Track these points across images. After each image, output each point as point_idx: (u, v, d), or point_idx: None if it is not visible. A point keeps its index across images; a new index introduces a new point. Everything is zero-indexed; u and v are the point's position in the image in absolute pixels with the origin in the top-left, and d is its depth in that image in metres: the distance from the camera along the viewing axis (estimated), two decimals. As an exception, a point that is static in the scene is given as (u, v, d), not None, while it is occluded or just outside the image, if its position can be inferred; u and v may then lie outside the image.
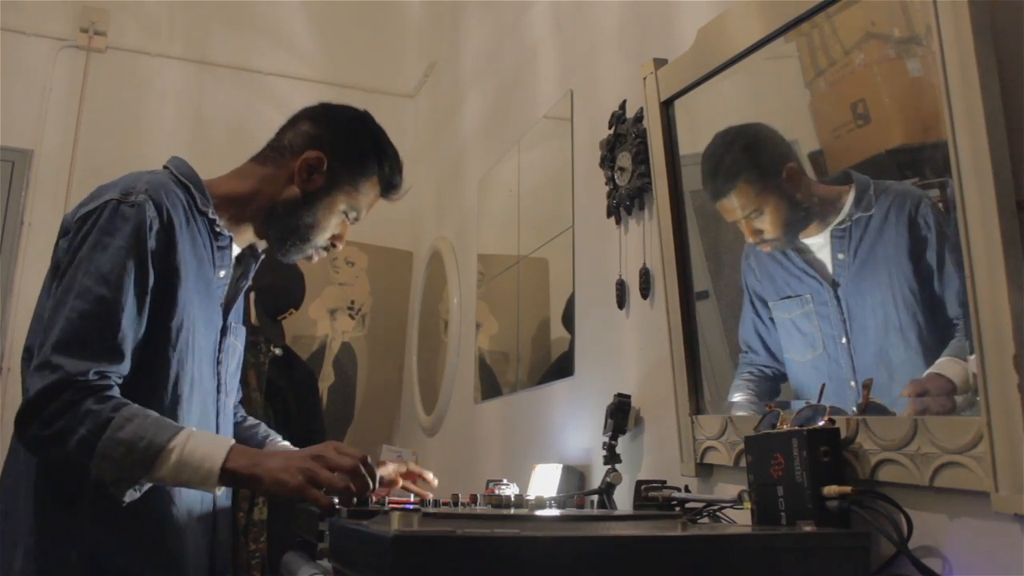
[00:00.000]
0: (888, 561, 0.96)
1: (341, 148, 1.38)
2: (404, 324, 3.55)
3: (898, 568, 0.95)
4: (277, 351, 2.84)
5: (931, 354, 0.99)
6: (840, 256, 1.12)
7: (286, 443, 1.50)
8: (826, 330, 1.14)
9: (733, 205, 1.32)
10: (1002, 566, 0.87)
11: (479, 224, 2.81)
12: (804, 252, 1.19)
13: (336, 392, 3.40)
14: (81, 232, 1.17)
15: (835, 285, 1.13)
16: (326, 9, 3.78)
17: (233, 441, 1.15)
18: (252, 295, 2.83)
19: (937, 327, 0.98)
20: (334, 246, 1.42)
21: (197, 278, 1.25)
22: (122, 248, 1.15)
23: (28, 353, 1.19)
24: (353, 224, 1.43)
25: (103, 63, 3.38)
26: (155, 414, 1.12)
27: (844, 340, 1.11)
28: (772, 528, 1.01)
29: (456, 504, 1.32)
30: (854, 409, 1.08)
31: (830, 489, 0.96)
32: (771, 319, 1.25)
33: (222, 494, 1.28)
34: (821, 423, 1.01)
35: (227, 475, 1.10)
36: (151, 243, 1.17)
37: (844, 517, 0.97)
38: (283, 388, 2.85)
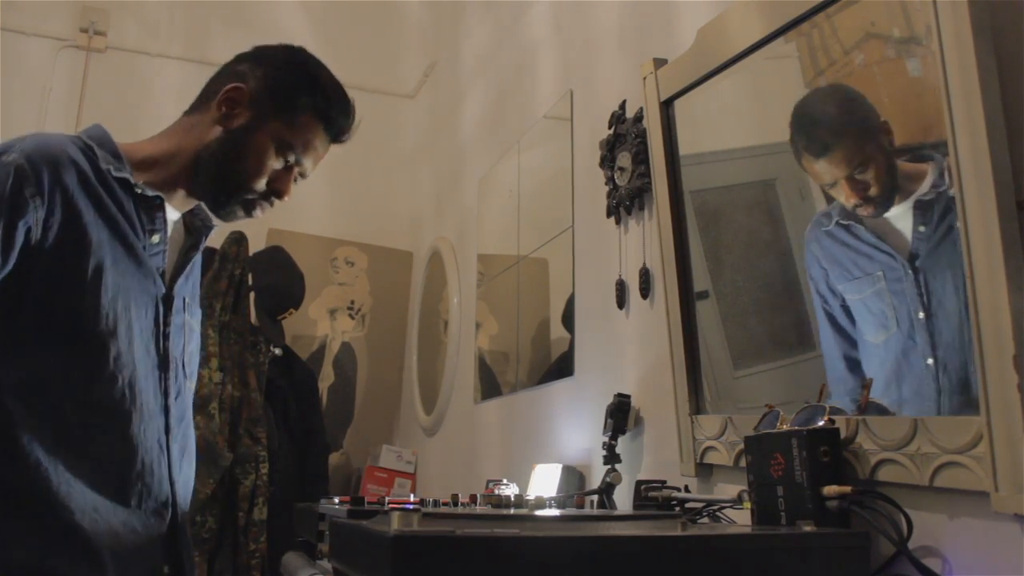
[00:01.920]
0: (888, 561, 0.96)
1: (267, 77, 1.23)
2: (404, 324, 3.55)
3: (898, 568, 0.95)
4: (277, 351, 2.84)
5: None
6: (921, 228, 1.06)
7: None
8: (900, 308, 1.07)
9: (838, 160, 1.22)
10: (1002, 566, 0.87)
11: (479, 224, 2.81)
12: (877, 226, 1.13)
13: (336, 392, 3.40)
14: None
15: (913, 258, 1.06)
16: (326, 9, 3.78)
17: None
18: (252, 295, 2.84)
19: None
20: (277, 196, 1.24)
21: (112, 244, 1.11)
22: None
23: None
24: (301, 176, 1.26)
25: (103, 63, 3.38)
26: None
27: (921, 315, 1.04)
28: (772, 528, 1.01)
29: (456, 504, 1.33)
30: (935, 392, 1.05)
31: (830, 489, 0.96)
32: (843, 306, 1.18)
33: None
34: (821, 423, 1.01)
35: None
36: (21, 211, 1.03)
37: (844, 517, 0.97)
38: (283, 388, 2.85)
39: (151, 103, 3.41)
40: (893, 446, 0.98)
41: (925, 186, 1.05)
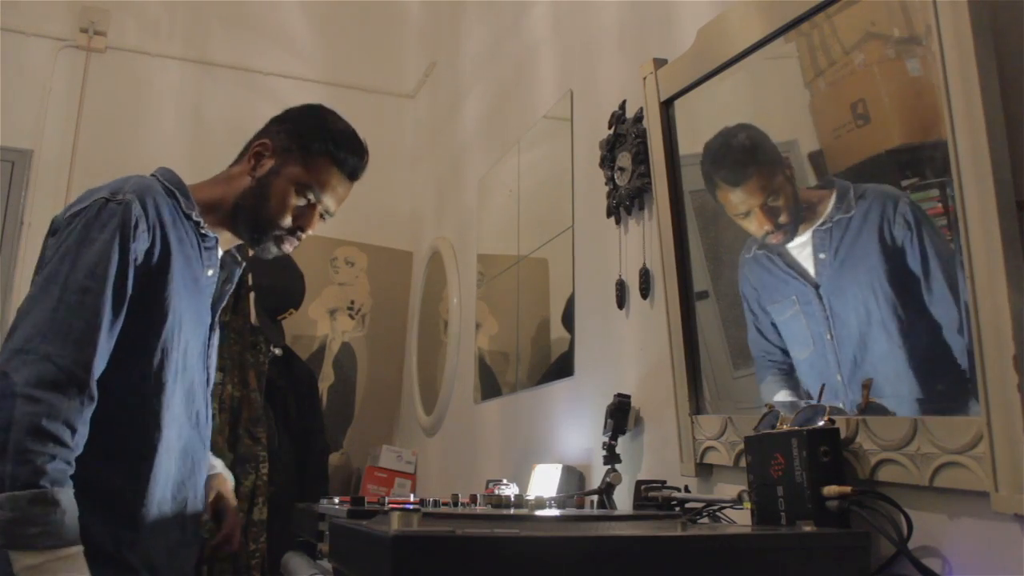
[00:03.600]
0: (888, 561, 0.96)
1: (286, 131, 1.42)
2: (404, 324, 3.55)
3: (898, 568, 0.95)
4: (277, 351, 2.84)
5: (913, 346, 1.01)
6: (821, 256, 1.15)
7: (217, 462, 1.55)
8: (814, 328, 1.16)
9: (753, 189, 1.33)
10: (1002, 566, 0.87)
11: (479, 224, 2.81)
12: (786, 255, 1.23)
13: (336, 392, 3.40)
14: (69, 228, 1.21)
15: (816, 285, 1.16)
16: (326, 9, 3.78)
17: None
18: (252, 295, 2.83)
19: (920, 319, 1.00)
20: (300, 231, 1.42)
21: (184, 275, 1.30)
22: (107, 243, 1.18)
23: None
24: (327, 213, 1.44)
25: (103, 63, 3.37)
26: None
27: (828, 337, 1.13)
28: (772, 528, 1.01)
29: (456, 504, 1.33)
30: (841, 405, 1.09)
31: (830, 489, 0.96)
32: (772, 323, 1.26)
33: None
34: (821, 423, 1.01)
35: None
36: (134, 240, 1.21)
37: (844, 517, 0.97)
38: (283, 388, 2.85)
39: (151, 103, 3.41)
40: (893, 446, 0.98)
41: (824, 214, 1.15)
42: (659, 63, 1.56)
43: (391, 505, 1.21)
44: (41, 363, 1.09)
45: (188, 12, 3.56)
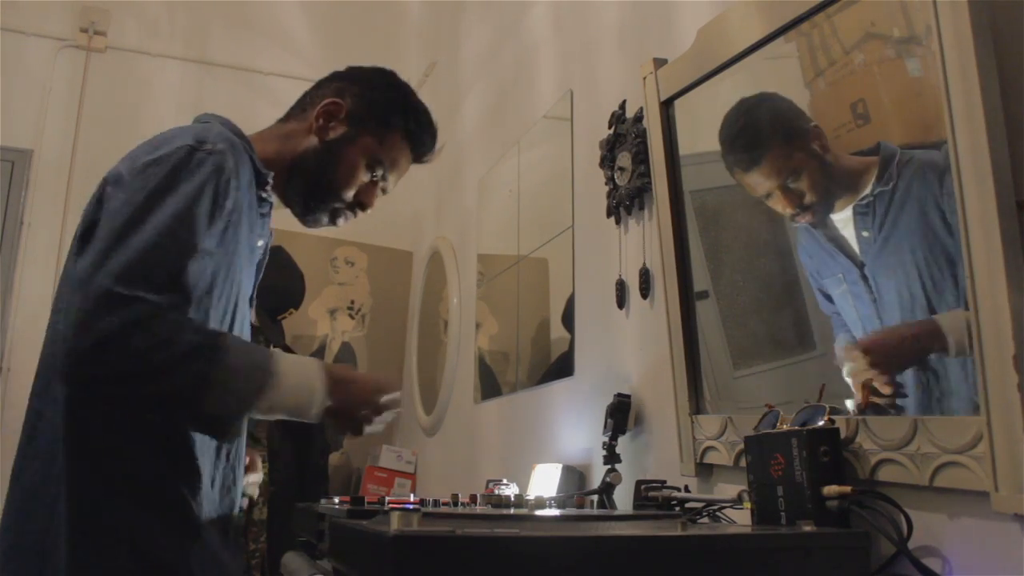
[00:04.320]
0: (888, 561, 0.96)
1: (363, 96, 1.31)
2: (404, 324, 3.55)
3: (898, 568, 0.95)
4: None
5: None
6: (864, 234, 1.07)
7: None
8: (862, 311, 1.09)
9: (767, 172, 1.24)
10: (1002, 566, 0.87)
11: (479, 224, 2.81)
12: (829, 229, 1.14)
13: (336, 392, 3.39)
14: (148, 174, 1.05)
15: (861, 264, 1.08)
16: (326, 9, 3.78)
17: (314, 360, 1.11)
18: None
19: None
20: (361, 208, 1.32)
21: (246, 246, 1.17)
22: (198, 192, 1.04)
23: (57, 309, 1.10)
24: (383, 191, 1.33)
25: (103, 63, 3.38)
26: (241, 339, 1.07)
27: (878, 322, 1.06)
28: (772, 528, 1.01)
29: (456, 504, 1.33)
30: (851, 408, 1.08)
31: (830, 489, 0.96)
32: (828, 296, 1.18)
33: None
34: (821, 423, 1.01)
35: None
36: (226, 197, 1.08)
37: (844, 517, 0.97)
38: (283, 388, 2.84)
39: (151, 103, 3.41)
40: (893, 446, 0.98)
41: (867, 187, 1.05)
42: (659, 63, 1.56)
43: (391, 505, 1.21)
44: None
45: (188, 12, 3.56)
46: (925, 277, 0.99)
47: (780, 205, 1.22)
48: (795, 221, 1.20)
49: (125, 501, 1.02)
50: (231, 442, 1.07)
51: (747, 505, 1.09)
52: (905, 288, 1.01)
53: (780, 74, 1.29)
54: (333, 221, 1.31)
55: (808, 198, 1.17)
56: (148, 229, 0.99)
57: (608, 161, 1.79)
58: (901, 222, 1.01)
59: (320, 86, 1.35)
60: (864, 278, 1.07)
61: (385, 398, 1.13)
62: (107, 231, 1.00)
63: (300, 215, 1.31)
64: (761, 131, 1.30)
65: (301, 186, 1.27)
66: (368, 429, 1.14)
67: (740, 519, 1.19)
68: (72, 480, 1.01)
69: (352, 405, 1.11)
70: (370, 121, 1.30)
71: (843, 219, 1.10)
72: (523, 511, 1.22)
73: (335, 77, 1.36)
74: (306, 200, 1.28)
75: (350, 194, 1.29)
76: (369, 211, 1.33)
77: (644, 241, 1.67)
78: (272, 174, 1.21)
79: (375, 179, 1.30)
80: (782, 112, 1.25)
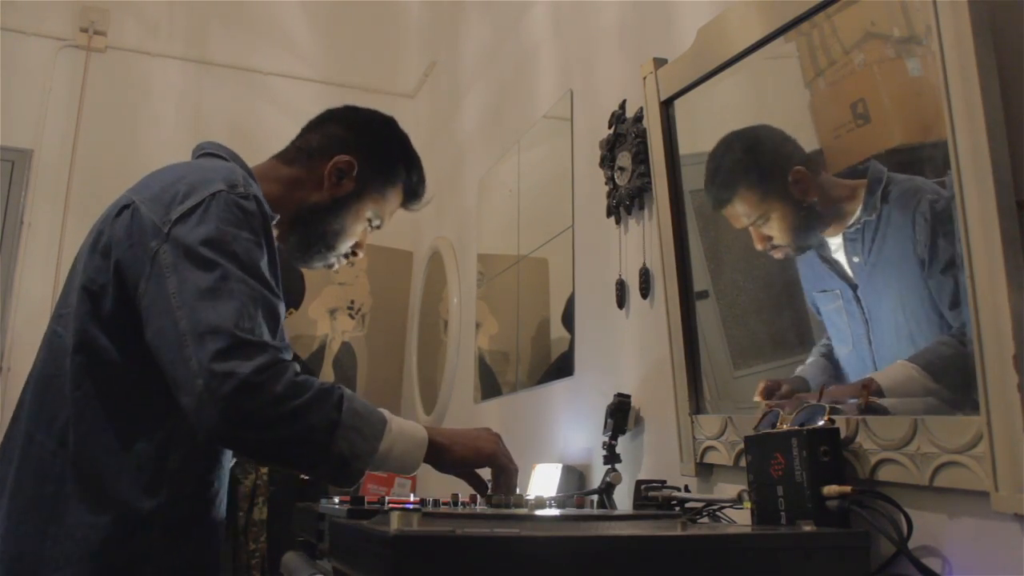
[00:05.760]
0: (888, 561, 0.96)
1: (371, 153, 1.33)
2: (404, 324, 3.55)
3: (898, 568, 0.95)
4: (277, 351, 2.84)
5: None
6: (855, 259, 1.10)
7: None
8: (854, 328, 1.11)
9: (738, 213, 1.31)
10: (1002, 566, 0.87)
11: (479, 224, 2.81)
12: (824, 252, 1.16)
13: (336, 392, 3.40)
14: (200, 224, 1.03)
15: (854, 287, 1.11)
16: (326, 9, 3.78)
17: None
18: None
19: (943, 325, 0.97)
20: (355, 254, 1.39)
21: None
22: (256, 238, 1.06)
23: (60, 321, 1.11)
24: (373, 232, 1.40)
25: (103, 63, 3.38)
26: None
27: (868, 342, 1.09)
28: (772, 528, 1.01)
29: (456, 504, 1.32)
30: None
31: (830, 489, 0.96)
32: (818, 310, 1.22)
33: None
34: (821, 423, 1.01)
35: (431, 447, 1.10)
36: (269, 237, 1.10)
37: (844, 517, 0.97)
38: (283, 388, 2.84)
39: (151, 103, 3.41)
40: (893, 446, 0.98)
41: (855, 212, 1.08)
42: (659, 63, 1.56)
43: (391, 505, 1.20)
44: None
45: (188, 12, 3.56)
46: (914, 298, 1.01)
47: (754, 239, 1.28)
48: (770, 254, 1.25)
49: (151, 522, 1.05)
50: (351, 486, 1.07)
51: (747, 505, 1.09)
52: (899, 309, 1.03)
53: (780, 74, 1.29)
54: (327, 265, 1.38)
55: (778, 239, 1.22)
56: (234, 277, 1.00)
57: (608, 161, 1.79)
58: (884, 254, 1.05)
59: (323, 131, 1.35)
60: (857, 299, 1.10)
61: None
62: (191, 289, 0.98)
63: (298, 259, 1.35)
64: (735, 173, 1.34)
65: (305, 236, 1.32)
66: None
67: (740, 519, 1.19)
68: (95, 500, 1.04)
69: (506, 452, 1.17)
70: (378, 178, 1.34)
71: (836, 243, 1.14)
72: (523, 511, 1.22)
73: (336, 120, 1.36)
74: (307, 248, 1.33)
75: (350, 245, 1.37)
76: (360, 255, 1.40)
77: (644, 241, 1.67)
78: (277, 217, 1.23)
79: (370, 227, 1.38)
80: (764, 151, 1.29)
